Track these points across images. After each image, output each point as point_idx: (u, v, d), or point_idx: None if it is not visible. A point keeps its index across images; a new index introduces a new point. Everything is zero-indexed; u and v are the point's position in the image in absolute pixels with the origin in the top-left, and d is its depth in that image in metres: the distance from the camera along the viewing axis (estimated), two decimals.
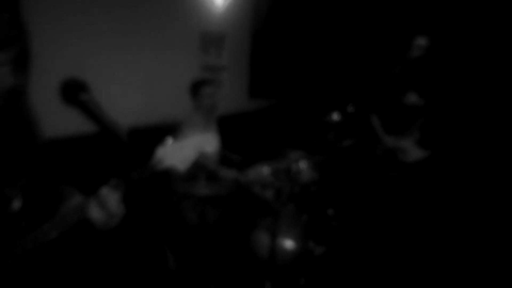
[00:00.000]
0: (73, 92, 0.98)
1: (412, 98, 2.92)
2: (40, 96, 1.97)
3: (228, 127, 3.29)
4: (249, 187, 2.44)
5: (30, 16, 1.26)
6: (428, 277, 2.65)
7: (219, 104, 3.78)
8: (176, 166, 1.06)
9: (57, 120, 1.98)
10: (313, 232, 2.46)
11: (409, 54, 2.91)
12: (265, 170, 2.36)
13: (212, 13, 3.77)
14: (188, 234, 2.35)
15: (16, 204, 1.00)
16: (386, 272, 2.74)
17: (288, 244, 2.33)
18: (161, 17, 3.24)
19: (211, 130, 2.96)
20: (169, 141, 1.09)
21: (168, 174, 2.91)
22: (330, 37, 6.11)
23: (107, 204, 0.95)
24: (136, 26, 3.03)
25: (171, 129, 2.91)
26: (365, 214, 3.30)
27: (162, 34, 3.27)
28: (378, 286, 2.56)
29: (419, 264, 2.86)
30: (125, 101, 3.04)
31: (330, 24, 6.05)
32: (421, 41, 2.86)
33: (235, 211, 2.47)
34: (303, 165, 2.63)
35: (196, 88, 2.78)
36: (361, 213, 3.31)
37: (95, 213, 0.96)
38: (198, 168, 2.40)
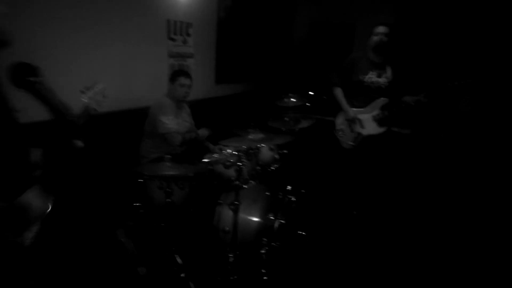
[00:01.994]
0: (21, 75, 1.05)
1: (373, 78, 3.16)
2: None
3: (196, 112, 3.40)
4: (213, 166, 2.57)
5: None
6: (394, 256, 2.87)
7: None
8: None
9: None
10: (273, 207, 2.60)
11: (371, 40, 3.14)
12: (227, 150, 2.47)
13: (178, 1, 3.80)
14: (156, 212, 2.45)
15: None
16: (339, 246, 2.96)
17: (250, 218, 2.47)
18: (129, 6, 3.24)
19: (182, 114, 3.08)
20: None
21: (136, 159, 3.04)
22: (291, 25, 6.28)
23: None
24: (104, 14, 3.03)
25: (141, 113, 3.00)
26: (323, 188, 3.52)
27: (130, 22, 3.28)
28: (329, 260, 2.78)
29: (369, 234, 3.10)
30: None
31: (292, 13, 6.22)
32: (381, 29, 3.09)
33: (201, 190, 2.58)
34: (263, 146, 2.78)
35: (173, 76, 2.98)
36: (319, 188, 3.54)
37: None
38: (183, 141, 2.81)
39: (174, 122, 2.85)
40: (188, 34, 4.00)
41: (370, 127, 3.21)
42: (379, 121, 3.19)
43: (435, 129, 4.61)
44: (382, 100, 3.16)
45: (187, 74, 2.98)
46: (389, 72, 3.15)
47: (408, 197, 3.89)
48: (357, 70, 3.20)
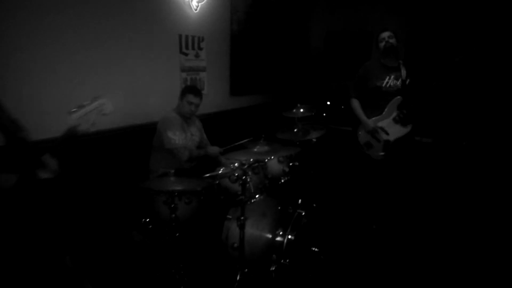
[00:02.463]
0: None
1: (390, 82, 3.08)
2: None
3: (212, 124, 3.37)
4: (219, 181, 2.51)
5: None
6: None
7: (203, 103, 3.89)
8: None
9: None
10: (283, 222, 2.49)
11: (379, 47, 3.11)
12: (233, 164, 2.40)
13: (190, 16, 3.82)
14: (162, 227, 2.41)
15: None
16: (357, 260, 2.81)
17: (258, 233, 2.38)
18: (139, 21, 3.28)
19: (191, 129, 3.05)
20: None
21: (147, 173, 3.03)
22: (306, 38, 6.23)
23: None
24: (115, 29, 3.07)
25: (154, 128, 3.00)
26: (337, 203, 3.38)
27: (141, 37, 3.32)
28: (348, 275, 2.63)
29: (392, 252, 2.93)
30: (111, 103, 3.07)
31: (307, 22, 6.17)
32: (383, 35, 3.04)
33: (208, 205, 2.52)
34: (272, 158, 2.70)
35: (183, 92, 2.97)
36: (333, 201, 3.39)
37: None
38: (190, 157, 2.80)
39: (181, 138, 2.82)
40: (200, 48, 4.00)
41: (394, 131, 3.09)
42: (401, 121, 3.06)
43: (457, 137, 4.37)
44: (396, 100, 3.06)
45: (197, 92, 2.96)
46: (404, 72, 3.06)
47: (429, 210, 3.67)
48: (372, 77, 3.11)
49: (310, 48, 6.40)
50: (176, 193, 2.21)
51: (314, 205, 2.67)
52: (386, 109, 3.08)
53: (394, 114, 3.07)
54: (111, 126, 3.13)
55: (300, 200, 2.74)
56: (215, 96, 4.37)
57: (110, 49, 3.05)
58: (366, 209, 3.26)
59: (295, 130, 2.90)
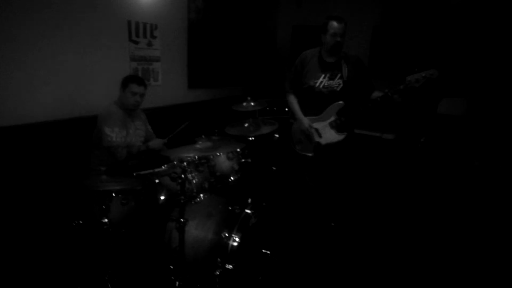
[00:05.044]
0: None
1: (325, 82, 2.83)
2: None
3: (167, 118, 3.16)
4: (160, 180, 2.31)
5: None
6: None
7: (156, 95, 3.68)
8: None
9: None
10: (229, 222, 2.32)
11: (326, 40, 2.79)
12: (172, 162, 2.23)
13: (140, 1, 3.56)
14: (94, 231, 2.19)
15: None
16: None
17: (202, 235, 2.20)
18: (85, 4, 3.03)
19: (135, 123, 2.83)
20: None
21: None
22: (271, 31, 6.10)
23: None
24: (57, 13, 2.83)
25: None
26: (290, 201, 3.24)
27: (84, 21, 3.07)
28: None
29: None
30: (50, 94, 2.89)
31: (272, 19, 6.03)
32: (337, 28, 2.73)
33: (147, 206, 2.32)
34: (220, 155, 2.52)
35: (124, 82, 2.70)
36: (285, 199, 3.26)
37: None
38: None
39: (120, 135, 2.60)
40: (153, 36, 3.76)
41: (328, 135, 2.87)
42: (337, 127, 2.85)
43: (417, 133, 4.35)
44: (337, 105, 2.82)
45: (140, 81, 2.72)
46: (345, 71, 2.79)
47: (391, 205, 3.63)
48: (307, 74, 2.87)
49: (277, 42, 6.26)
50: (108, 194, 2.00)
51: (264, 204, 2.52)
52: (325, 111, 2.87)
53: (332, 119, 2.85)
54: (50, 118, 2.88)
55: (250, 199, 2.58)
56: (171, 88, 4.15)
57: (50, 34, 2.81)
58: (321, 207, 3.13)
59: (246, 125, 2.73)
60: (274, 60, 6.21)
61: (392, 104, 2.62)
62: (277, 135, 3.37)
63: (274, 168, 3.52)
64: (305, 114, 2.93)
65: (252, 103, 2.81)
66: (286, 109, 4.70)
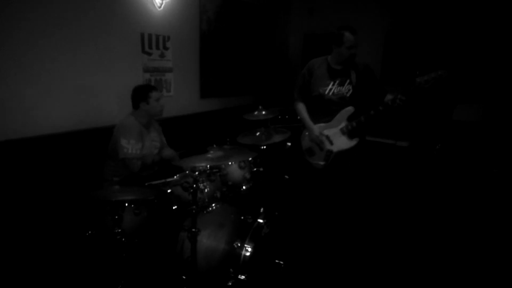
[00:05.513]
0: None
1: (334, 89, 2.80)
2: None
3: (180, 128, 3.18)
4: (172, 189, 2.32)
5: None
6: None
7: (169, 105, 3.72)
8: None
9: None
10: (242, 232, 2.29)
11: (342, 51, 2.77)
12: (184, 172, 2.23)
13: (153, 14, 3.63)
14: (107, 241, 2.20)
15: None
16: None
17: (214, 245, 2.19)
18: (99, 18, 3.10)
19: (150, 134, 2.85)
20: None
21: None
22: (283, 40, 6.11)
23: None
24: (71, 26, 2.90)
25: (110, 133, 2.80)
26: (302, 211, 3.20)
27: (101, 36, 3.14)
28: None
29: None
30: (65, 106, 2.95)
31: (284, 28, 6.06)
32: (354, 38, 2.73)
33: (159, 215, 2.32)
34: (232, 164, 2.52)
35: (144, 92, 2.72)
36: (298, 209, 3.22)
37: None
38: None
39: (136, 147, 2.61)
40: (165, 48, 3.81)
41: (339, 142, 2.83)
42: (349, 133, 2.81)
43: (433, 140, 4.26)
44: (347, 110, 2.79)
45: (156, 87, 2.79)
46: (353, 76, 2.77)
47: (407, 215, 3.54)
48: (315, 82, 2.84)
49: (288, 50, 6.28)
50: (121, 204, 2.01)
51: (276, 213, 2.49)
52: (335, 118, 2.84)
53: (343, 125, 2.81)
54: (65, 129, 2.94)
55: (262, 209, 2.56)
56: (183, 98, 4.19)
57: (64, 47, 2.87)
58: (334, 216, 3.07)
59: (258, 133, 2.72)
60: (285, 68, 6.21)
61: (403, 107, 2.57)
62: (289, 143, 3.34)
63: (286, 176, 3.49)
64: (315, 122, 2.91)
65: (264, 112, 2.80)
66: (299, 117, 4.69)
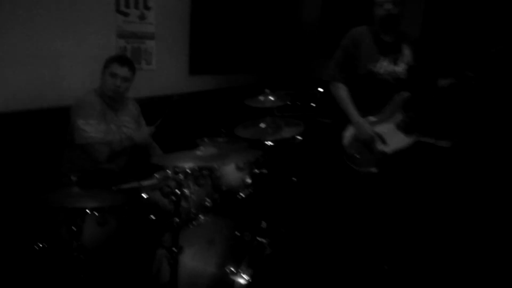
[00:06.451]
0: None
1: (388, 67, 2.76)
2: None
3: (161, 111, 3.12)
4: (148, 195, 2.27)
5: None
6: None
7: (149, 82, 3.65)
8: None
9: None
10: (237, 253, 2.29)
11: (376, 12, 2.72)
12: (165, 172, 2.18)
13: None
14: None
15: None
16: None
17: (200, 267, 2.16)
18: None
19: (120, 117, 2.82)
20: None
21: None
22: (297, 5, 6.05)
23: None
24: None
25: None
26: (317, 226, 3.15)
27: None
28: None
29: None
30: (15, 78, 2.91)
31: None
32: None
33: (130, 228, 2.27)
34: (227, 163, 2.48)
35: (105, 63, 2.70)
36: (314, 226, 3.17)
37: None
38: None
39: (99, 129, 2.58)
40: (147, 7, 3.76)
41: (395, 141, 2.76)
42: (406, 128, 2.76)
43: (482, 140, 4.18)
44: (401, 98, 2.74)
45: (124, 61, 2.70)
46: (407, 53, 2.73)
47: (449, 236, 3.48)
48: (363, 56, 2.77)
49: (302, 17, 6.20)
50: (80, 212, 1.95)
51: (282, 229, 2.46)
52: (385, 109, 2.77)
53: (399, 118, 2.76)
54: (15, 108, 2.88)
55: (264, 223, 2.53)
56: (167, 73, 4.15)
57: (15, 4, 2.80)
58: (367, 241, 2.94)
59: (262, 125, 2.66)
60: (298, 40, 6.14)
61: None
62: (299, 137, 3.29)
63: (294, 179, 3.45)
64: (361, 113, 2.82)
65: (272, 97, 2.71)
66: (313, 104, 4.62)
